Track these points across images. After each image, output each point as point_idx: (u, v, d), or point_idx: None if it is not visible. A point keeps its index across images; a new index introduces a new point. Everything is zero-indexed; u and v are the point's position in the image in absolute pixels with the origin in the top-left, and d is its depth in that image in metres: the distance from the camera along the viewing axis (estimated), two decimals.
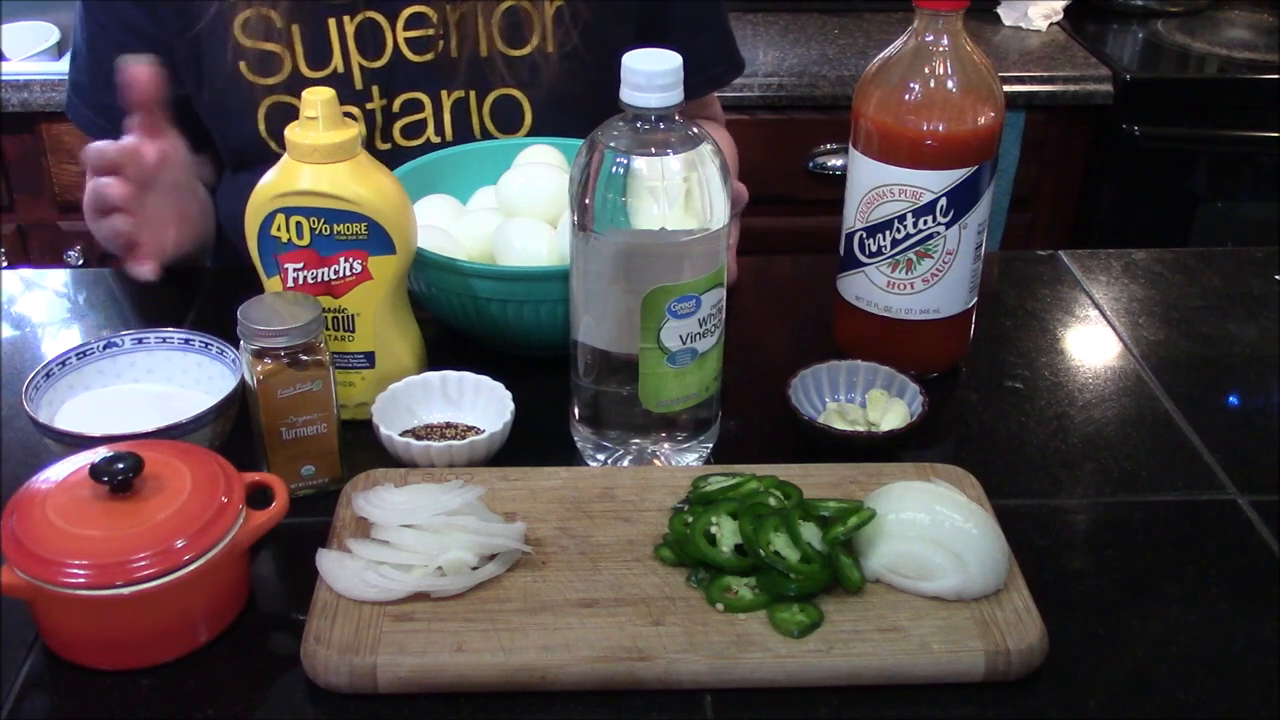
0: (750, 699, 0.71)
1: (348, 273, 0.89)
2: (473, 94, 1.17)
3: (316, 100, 0.85)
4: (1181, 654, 0.75)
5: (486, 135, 1.19)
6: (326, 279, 0.89)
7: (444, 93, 1.16)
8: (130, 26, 1.13)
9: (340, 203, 0.86)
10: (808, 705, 0.71)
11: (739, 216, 1.02)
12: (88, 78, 1.17)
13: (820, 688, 0.71)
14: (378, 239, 0.88)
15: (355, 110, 1.15)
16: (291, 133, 0.86)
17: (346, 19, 1.12)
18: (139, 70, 0.97)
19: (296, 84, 1.12)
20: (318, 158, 0.86)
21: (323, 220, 0.87)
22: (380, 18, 1.13)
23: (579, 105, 1.18)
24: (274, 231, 0.88)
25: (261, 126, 1.14)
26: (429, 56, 1.15)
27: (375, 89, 1.15)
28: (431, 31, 1.14)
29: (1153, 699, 0.72)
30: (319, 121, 0.85)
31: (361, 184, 0.87)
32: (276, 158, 1.15)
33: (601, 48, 1.18)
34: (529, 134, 1.19)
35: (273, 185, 0.87)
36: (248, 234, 0.89)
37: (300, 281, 0.89)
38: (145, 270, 1.03)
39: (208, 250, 1.24)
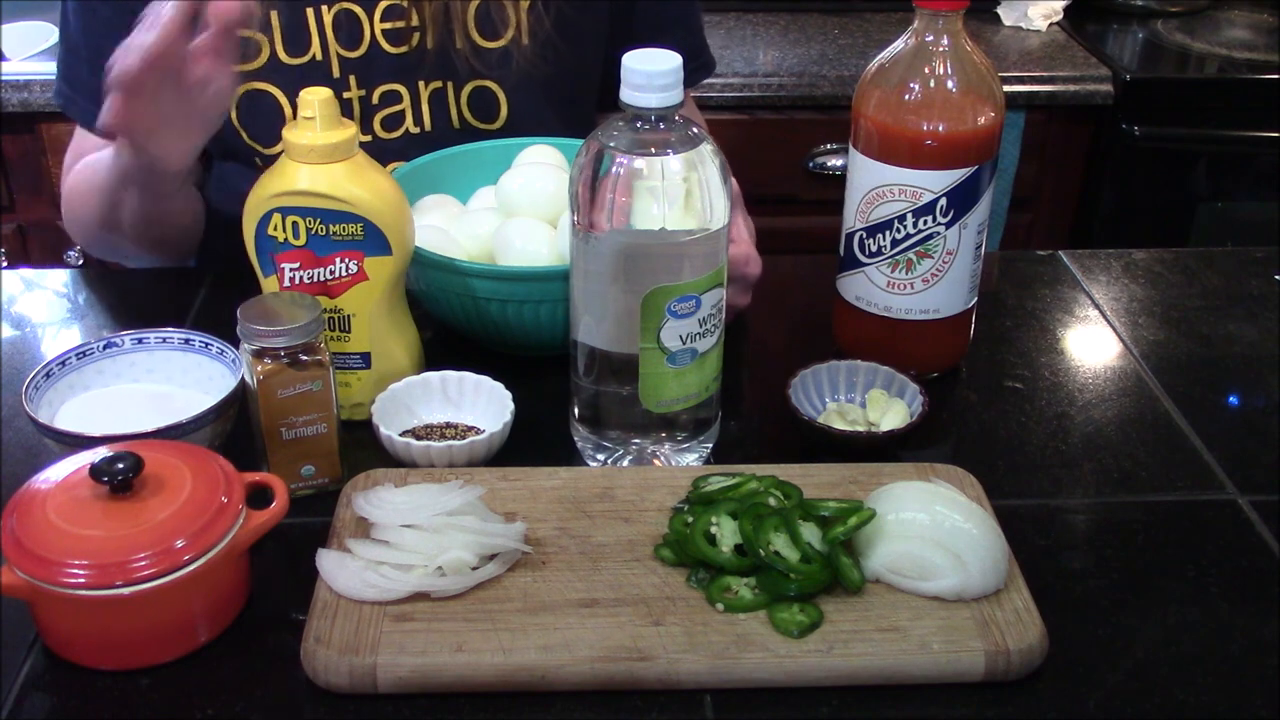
0: (750, 699, 0.71)
1: (344, 273, 0.89)
2: (449, 85, 1.18)
3: (314, 100, 0.85)
4: (1181, 654, 0.75)
5: (465, 125, 1.19)
6: (323, 279, 0.89)
7: (420, 84, 1.17)
8: (131, 11, 1.12)
9: (336, 203, 0.86)
10: (808, 705, 0.71)
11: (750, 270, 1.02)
12: (87, 68, 1.15)
13: (820, 688, 0.71)
14: (374, 240, 0.88)
15: None
16: (289, 133, 0.86)
17: (324, 8, 1.13)
18: None
19: (275, 70, 1.13)
20: (314, 158, 0.86)
21: (319, 220, 0.87)
22: (357, 8, 1.14)
23: (552, 90, 1.18)
24: (271, 231, 0.87)
25: (233, 114, 1.14)
26: (404, 49, 1.15)
27: (353, 78, 1.15)
28: (405, 23, 1.14)
29: (1153, 699, 0.72)
30: (315, 121, 0.85)
31: (357, 184, 0.87)
32: (248, 148, 1.15)
33: (573, 40, 1.19)
34: (505, 124, 1.20)
35: (269, 185, 0.87)
36: (245, 233, 0.89)
37: (297, 281, 0.89)
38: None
39: (192, 250, 1.23)
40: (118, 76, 0.89)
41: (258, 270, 0.90)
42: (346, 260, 0.88)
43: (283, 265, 0.89)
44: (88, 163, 1.18)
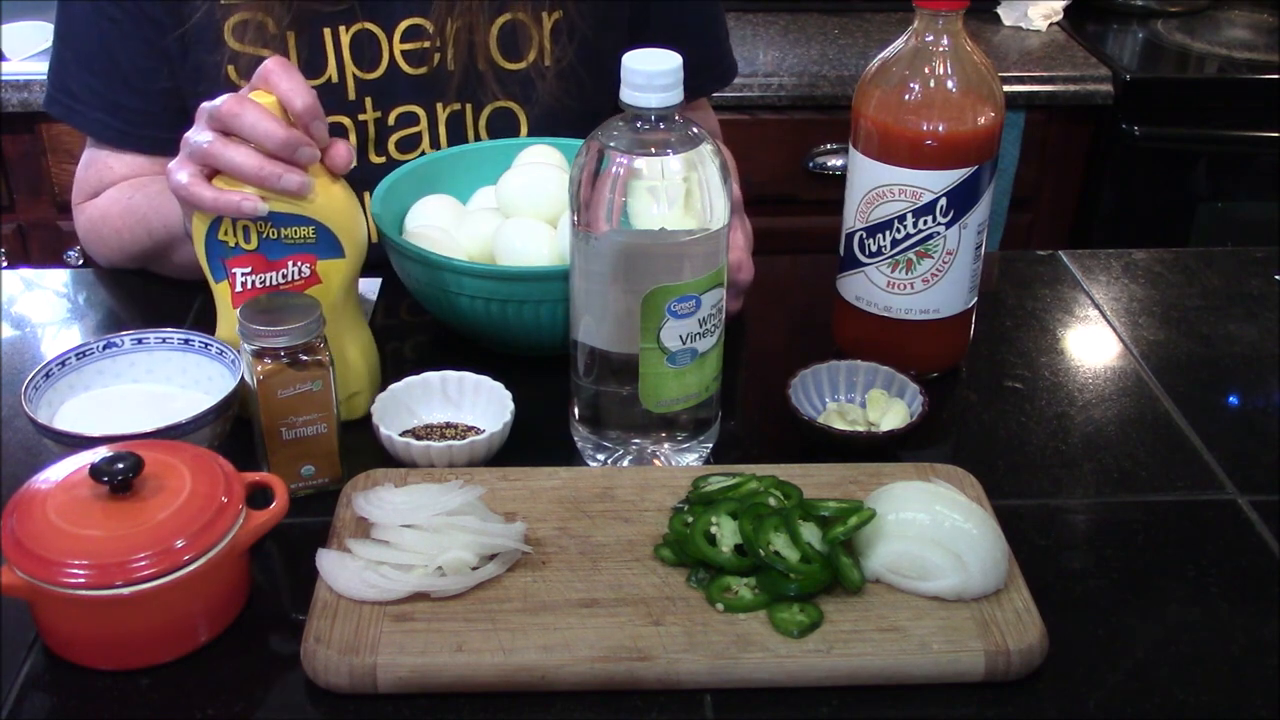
0: (750, 699, 0.71)
1: (296, 276, 0.88)
2: (468, 107, 1.17)
3: (262, 104, 0.84)
4: (1181, 654, 0.75)
5: None
6: (275, 283, 0.88)
7: (439, 105, 1.16)
8: (148, 18, 1.11)
9: (287, 206, 0.85)
10: (808, 705, 0.71)
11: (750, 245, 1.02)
12: (100, 79, 1.13)
13: (820, 688, 0.71)
14: (326, 242, 0.87)
15: (348, 121, 1.14)
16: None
17: (342, 29, 1.11)
18: (343, 148, 0.88)
19: None
20: None
21: (270, 224, 0.86)
22: (377, 29, 1.12)
23: (574, 119, 1.17)
24: (221, 236, 0.87)
25: None
26: (424, 70, 1.14)
27: (369, 100, 1.14)
28: (428, 44, 1.13)
29: (1153, 699, 0.72)
30: None
31: None
32: None
33: (596, 59, 1.18)
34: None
35: (219, 188, 0.86)
36: (194, 239, 0.88)
37: (249, 286, 0.88)
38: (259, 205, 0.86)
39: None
40: (209, 154, 0.85)
41: (208, 275, 0.89)
42: (299, 264, 0.88)
43: (234, 270, 0.88)
44: (122, 197, 1.15)
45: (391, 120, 1.15)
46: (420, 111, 1.16)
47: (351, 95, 1.13)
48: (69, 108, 1.16)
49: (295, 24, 1.10)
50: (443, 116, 1.16)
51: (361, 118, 1.14)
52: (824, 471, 0.85)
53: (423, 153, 1.17)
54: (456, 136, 1.17)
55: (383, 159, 1.16)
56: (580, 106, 1.17)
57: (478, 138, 1.18)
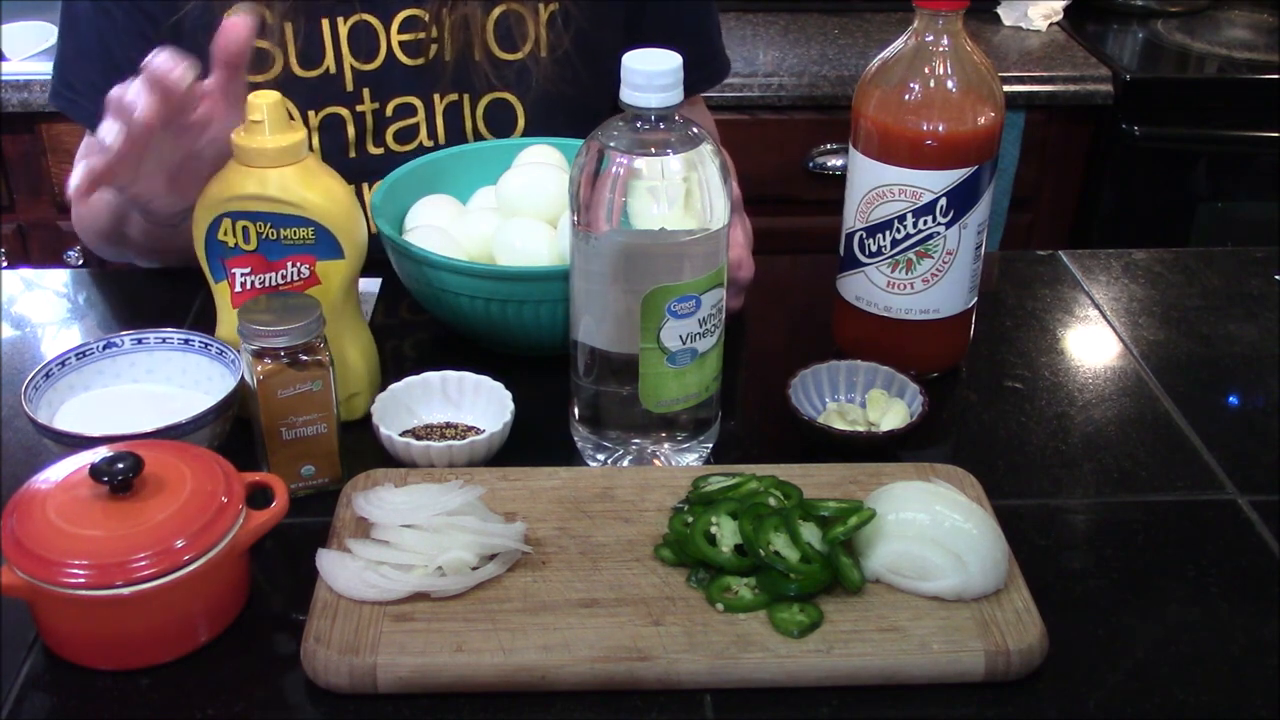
0: (750, 699, 0.71)
1: (295, 277, 0.88)
2: (465, 97, 1.17)
3: (262, 104, 0.84)
4: (1181, 654, 0.75)
5: (479, 139, 1.19)
6: (274, 283, 0.88)
7: (436, 96, 1.16)
8: (145, 14, 1.11)
9: (287, 207, 0.85)
10: (808, 705, 0.71)
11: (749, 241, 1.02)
12: (99, 71, 1.13)
13: (820, 688, 0.71)
14: (326, 243, 0.87)
15: (345, 112, 1.14)
16: (237, 136, 0.85)
17: (340, 20, 1.12)
18: (237, 22, 0.84)
19: (287, 83, 1.11)
20: (264, 161, 0.85)
21: (269, 225, 0.86)
22: (374, 20, 1.13)
23: (570, 107, 1.18)
24: (221, 236, 0.87)
25: None
26: (421, 61, 1.15)
27: (366, 91, 1.14)
28: (425, 35, 1.14)
29: (1153, 699, 0.72)
30: (265, 125, 0.84)
31: (308, 188, 0.86)
32: None
33: (591, 51, 1.18)
34: (523, 136, 1.19)
35: (219, 189, 0.86)
36: (195, 239, 0.88)
37: (248, 286, 0.88)
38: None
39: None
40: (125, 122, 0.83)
41: (208, 275, 0.89)
42: (298, 264, 0.88)
43: (233, 270, 0.88)
44: None
45: (389, 111, 1.16)
46: (418, 103, 1.16)
47: (349, 86, 1.14)
48: (71, 101, 1.17)
49: (293, 15, 1.10)
50: (440, 107, 1.17)
51: (359, 109, 1.15)
52: (824, 471, 0.85)
53: (420, 144, 1.17)
54: (454, 128, 1.18)
55: (380, 150, 1.17)
56: (576, 94, 1.18)
57: (475, 129, 1.18)
